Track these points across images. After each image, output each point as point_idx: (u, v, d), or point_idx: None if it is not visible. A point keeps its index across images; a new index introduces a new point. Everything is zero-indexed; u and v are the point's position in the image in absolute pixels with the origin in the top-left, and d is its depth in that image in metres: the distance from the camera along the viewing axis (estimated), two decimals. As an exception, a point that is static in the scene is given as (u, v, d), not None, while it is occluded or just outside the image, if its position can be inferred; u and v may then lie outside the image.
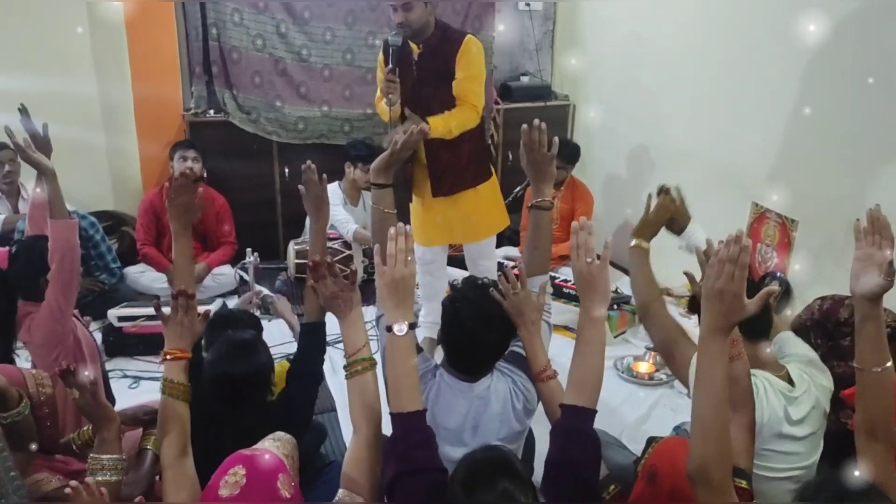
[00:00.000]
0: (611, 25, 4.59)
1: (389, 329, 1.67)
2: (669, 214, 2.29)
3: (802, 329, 2.60)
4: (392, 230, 1.69)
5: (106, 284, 3.94)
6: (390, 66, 2.93)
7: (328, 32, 4.65)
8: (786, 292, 3.30)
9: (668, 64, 4.07)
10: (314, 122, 4.71)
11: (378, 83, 3.23)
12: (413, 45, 3.05)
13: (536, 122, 2.05)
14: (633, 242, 2.25)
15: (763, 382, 2.00)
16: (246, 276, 3.94)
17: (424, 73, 3.06)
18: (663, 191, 2.33)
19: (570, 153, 4.40)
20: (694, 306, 1.92)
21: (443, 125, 2.99)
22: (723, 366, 1.47)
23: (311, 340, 2.18)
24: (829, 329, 2.55)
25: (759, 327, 2.10)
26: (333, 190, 4.20)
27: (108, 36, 4.29)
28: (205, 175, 4.23)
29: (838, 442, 2.05)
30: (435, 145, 3.09)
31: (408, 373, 1.67)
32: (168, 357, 1.83)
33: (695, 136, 3.90)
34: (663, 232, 2.35)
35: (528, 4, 5.06)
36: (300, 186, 2.20)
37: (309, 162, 2.19)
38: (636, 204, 4.45)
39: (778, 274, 3.37)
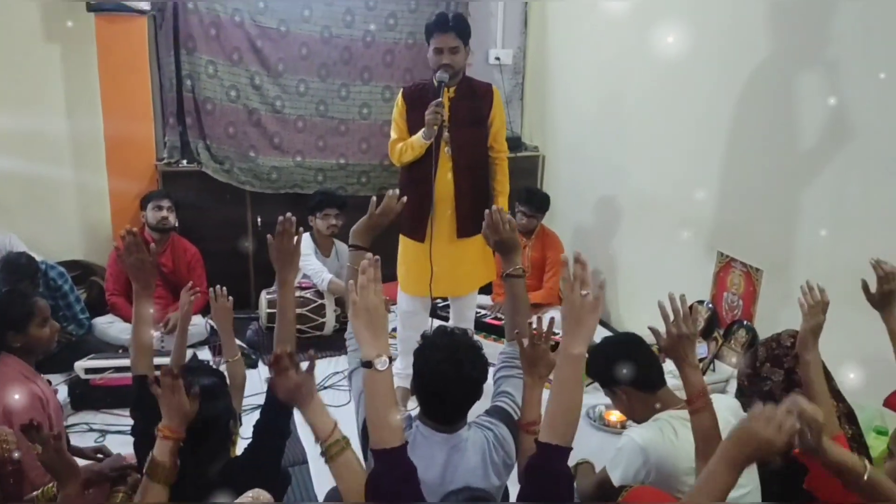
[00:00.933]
0: (578, 78, 4.73)
1: (369, 364, 1.63)
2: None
3: (752, 374, 2.60)
4: (364, 262, 1.69)
5: (74, 336, 3.88)
6: (439, 99, 3.13)
7: (302, 84, 4.72)
8: (752, 339, 3.37)
9: (633, 115, 4.20)
10: (287, 171, 4.75)
11: (394, 127, 3.36)
12: (444, 90, 3.23)
13: (494, 207, 2.25)
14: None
15: (670, 423, 2.07)
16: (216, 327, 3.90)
17: (455, 114, 3.25)
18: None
19: (539, 202, 4.47)
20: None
21: (505, 194, 3.42)
22: None
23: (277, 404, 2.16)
24: (779, 355, 2.55)
25: (654, 378, 2.24)
26: (305, 240, 4.21)
27: (81, 81, 4.34)
28: (177, 225, 4.23)
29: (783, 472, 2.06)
30: (466, 185, 3.28)
31: (389, 407, 1.66)
32: (158, 433, 1.81)
33: (660, 185, 4.00)
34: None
35: (497, 58, 5.20)
36: (269, 236, 2.20)
37: (289, 214, 2.18)
38: (603, 251, 4.58)
39: (744, 322, 3.43)
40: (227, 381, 2.46)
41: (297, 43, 4.64)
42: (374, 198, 2.27)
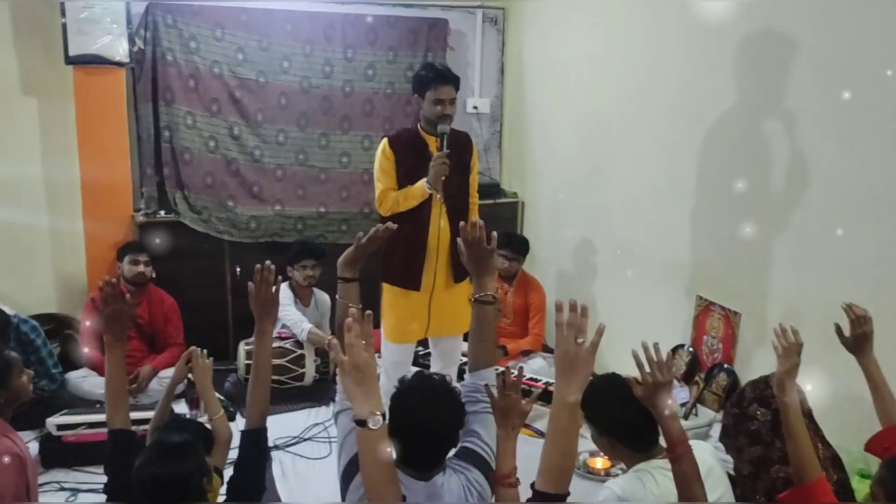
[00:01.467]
0: (555, 125, 4.79)
1: (363, 423, 1.59)
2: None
3: (739, 413, 2.58)
4: (349, 319, 1.64)
5: (46, 391, 3.78)
6: (445, 150, 3.19)
7: (281, 134, 4.74)
8: (733, 383, 3.36)
9: (610, 161, 4.25)
10: (266, 220, 4.73)
11: (381, 177, 3.33)
12: (430, 139, 3.30)
13: (473, 219, 2.16)
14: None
15: (650, 473, 2.03)
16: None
17: None
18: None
19: (519, 244, 4.49)
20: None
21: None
22: None
23: (253, 449, 2.11)
24: (767, 395, 2.51)
25: (648, 438, 2.12)
26: (284, 290, 4.17)
27: (58, 132, 4.34)
28: (153, 276, 4.19)
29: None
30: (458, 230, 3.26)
31: (386, 465, 1.63)
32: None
33: (639, 230, 4.03)
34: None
35: (475, 107, 5.27)
36: (249, 283, 2.18)
37: (268, 262, 2.17)
38: (584, 296, 4.58)
39: (725, 365, 3.43)
40: (208, 436, 2.42)
41: (276, 93, 4.68)
42: (361, 233, 2.25)
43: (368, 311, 1.70)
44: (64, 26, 4.10)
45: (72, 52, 4.15)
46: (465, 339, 3.66)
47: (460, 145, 3.40)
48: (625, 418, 2.10)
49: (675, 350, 3.73)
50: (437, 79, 3.26)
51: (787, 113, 3.02)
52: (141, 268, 4.08)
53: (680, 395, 3.45)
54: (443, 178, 3.17)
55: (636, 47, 3.96)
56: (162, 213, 4.54)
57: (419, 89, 3.30)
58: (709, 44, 3.42)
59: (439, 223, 3.31)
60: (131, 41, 4.27)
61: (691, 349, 3.65)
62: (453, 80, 3.30)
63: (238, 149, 4.65)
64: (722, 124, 3.39)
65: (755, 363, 3.28)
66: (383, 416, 1.61)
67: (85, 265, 4.45)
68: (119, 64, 4.27)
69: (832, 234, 2.82)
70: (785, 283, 3.11)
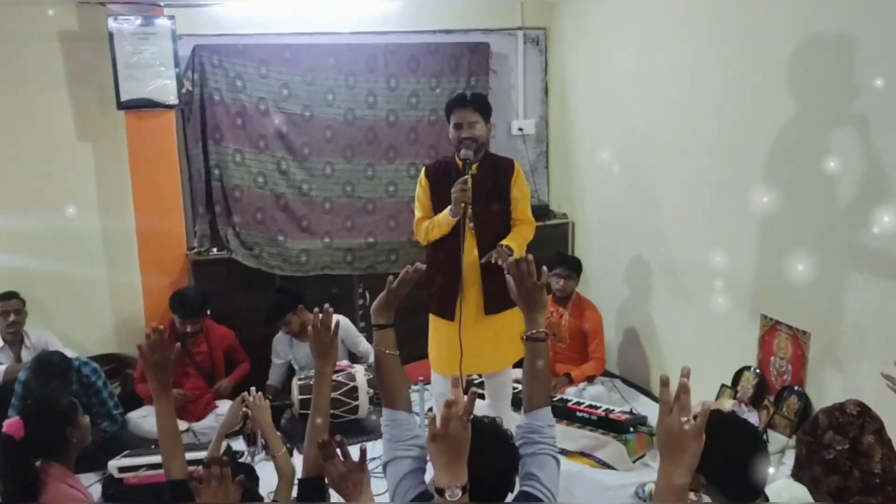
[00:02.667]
0: (602, 143, 4.70)
1: (441, 492, 1.55)
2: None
3: (813, 442, 2.43)
4: (454, 393, 1.58)
5: (107, 432, 3.84)
6: (465, 176, 3.13)
7: (328, 167, 4.77)
8: (805, 406, 3.20)
9: (662, 177, 4.13)
10: (316, 253, 4.75)
11: (418, 206, 3.39)
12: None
13: (524, 255, 2.07)
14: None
15: None
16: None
17: (479, 190, 3.23)
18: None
19: (573, 263, 4.43)
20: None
21: (518, 245, 3.23)
22: None
23: (313, 496, 2.07)
24: (844, 423, 2.35)
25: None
26: (344, 323, 4.23)
27: (113, 177, 4.46)
28: (208, 313, 4.23)
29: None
30: (492, 260, 3.23)
31: None
32: None
33: (695, 247, 3.90)
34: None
35: (520, 129, 5.21)
36: (309, 328, 2.16)
37: (327, 305, 2.15)
38: (641, 317, 4.46)
39: (795, 388, 3.27)
40: (255, 477, 2.40)
41: (321, 126, 4.71)
42: (391, 276, 2.22)
43: (474, 389, 1.63)
44: (115, 72, 4.21)
45: (123, 98, 4.26)
46: (518, 365, 3.60)
47: (498, 171, 3.33)
48: (738, 469, 1.90)
49: (740, 372, 3.58)
50: (455, 102, 3.26)
51: (858, 117, 2.87)
52: (187, 328, 4.08)
53: (749, 419, 3.30)
54: (462, 204, 3.11)
55: (681, 60, 3.86)
56: (214, 250, 4.59)
57: (447, 117, 3.30)
58: (757, 52, 3.31)
59: (472, 253, 3.25)
60: (179, 83, 4.35)
61: (758, 371, 3.50)
62: (473, 103, 3.24)
63: (286, 183, 4.69)
64: (780, 135, 3.25)
65: (828, 385, 3.12)
66: (463, 489, 1.56)
67: (143, 305, 4.53)
68: (169, 106, 4.37)
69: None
70: (857, 299, 2.96)
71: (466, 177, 3.13)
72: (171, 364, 2.09)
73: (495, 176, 3.30)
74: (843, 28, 2.88)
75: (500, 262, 3.13)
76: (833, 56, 2.94)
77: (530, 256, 2.05)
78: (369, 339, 4.36)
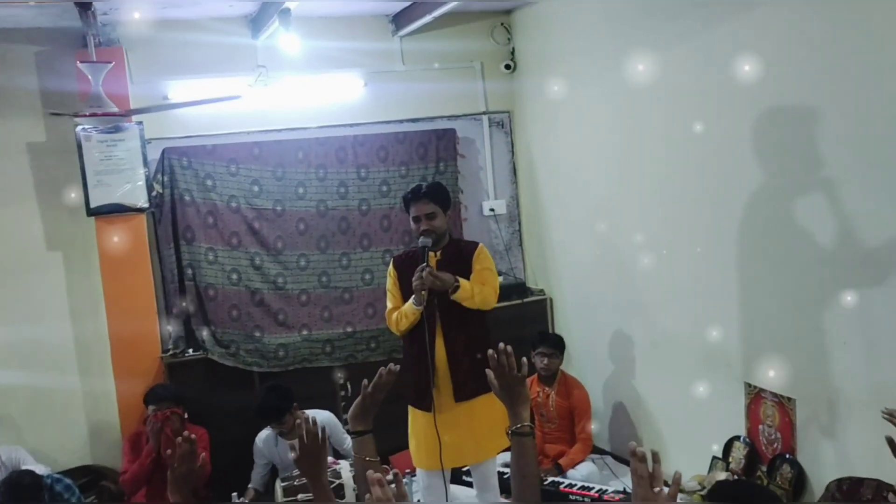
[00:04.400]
0: (574, 219, 4.75)
1: None
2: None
3: None
4: (372, 476, 1.49)
5: (82, 551, 3.67)
6: (424, 264, 3.12)
7: (302, 259, 4.76)
8: (798, 474, 3.15)
9: (637, 251, 4.13)
10: (294, 347, 4.69)
11: (389, 297, 3.40)
12: (430, 254, 3.23)
13: (501, 345, 1.98)
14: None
15: None
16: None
17: None
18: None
19: (556, 340, 4.38)
20: None
21: (469, 288, 3.19)
22: None
23: None
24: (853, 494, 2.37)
25: None
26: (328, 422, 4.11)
27: (84, 284, 4.41)
28: (186, 416, 4.11)
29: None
30: (458, 347, 3.22)
31: None
32: None
33: (675, 319, 3.91)
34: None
35: (492, 209, 5.27)
36: (292, 443, 2.05)
37: (313, 416, 2.09)
38: (627, 391, 4.41)
39: (787, 455, 3.22)
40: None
41: (293, 220, 4.73)
42: (365, 381, 2.17)
43: (396, 471, 1.58)
44: (84, 179, 4.20)
45: (93, 204, 4.24)
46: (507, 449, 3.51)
47: (462, 255, 3.33)
48: None
49: (731, 442, 3.53)
50: (412, 195, 3.28)
51: (824, 181, 2.93)
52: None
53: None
54: (423, 292, 3.10)
55: (646, 134, 3.95)
56: (190, 351, 4.51)
57: (406, 209, 3.33)
58: (727, 124, 3.37)
59: (440, 342, 3.24)
60: (149, 186, 4.36)
61: (748, 440, 3.45)
62: (428, 195, 3.25)
63: (261, 278, 4.67)
64: (750, 203, 3.30)
65: (820, 451, 3.08)
66: None
67: (118, 413, 4.40)
68: (140, 210, 4.35)
69: (885, 309, 2.70)
70: (841, 364, 2.95)
71: (424, 264, 3.12)
72: (196, 478, 1.99)
73: (459, 261, 3.31)
74: (807, 99, 2.96)
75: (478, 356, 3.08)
76: (799, 125, 3.01)
77: (509, 348, 1.98)
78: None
